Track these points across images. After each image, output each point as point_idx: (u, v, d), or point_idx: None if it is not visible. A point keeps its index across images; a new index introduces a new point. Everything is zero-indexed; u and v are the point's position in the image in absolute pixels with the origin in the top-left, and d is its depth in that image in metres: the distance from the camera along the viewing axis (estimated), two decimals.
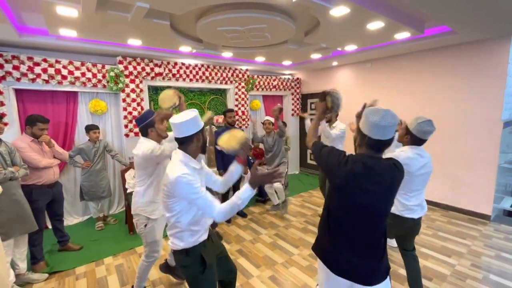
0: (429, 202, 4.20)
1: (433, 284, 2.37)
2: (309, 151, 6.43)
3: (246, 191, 1.38)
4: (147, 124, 2.01)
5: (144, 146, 1.95)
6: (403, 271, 2.51)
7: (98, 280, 2.52)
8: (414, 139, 1.86)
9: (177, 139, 1.43)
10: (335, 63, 5.18)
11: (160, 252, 2.17)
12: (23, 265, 2.43)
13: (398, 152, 1.91)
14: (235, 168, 1.68)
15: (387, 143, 1.24)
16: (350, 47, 3.87)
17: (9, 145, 2.35)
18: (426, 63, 4.10)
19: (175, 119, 1.38)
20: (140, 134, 2.09)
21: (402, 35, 3.21)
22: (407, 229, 1.98)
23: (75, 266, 2.74)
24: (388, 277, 1.34)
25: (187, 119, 1.36)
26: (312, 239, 3.23)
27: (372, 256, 1.30)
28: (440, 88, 3.99)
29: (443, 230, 3.38)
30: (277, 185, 3.80)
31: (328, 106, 1.77)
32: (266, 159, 4.04)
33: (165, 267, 2.43)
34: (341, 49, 4.04)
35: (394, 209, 1.86)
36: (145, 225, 2.02)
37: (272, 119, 3.90)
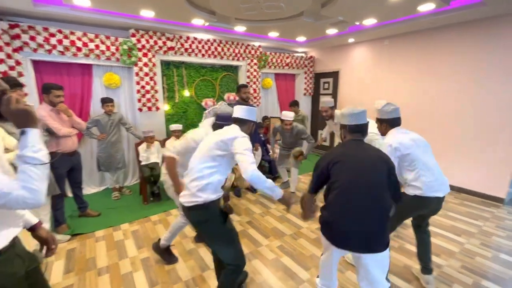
0: None
1: (441, 259, 2.39)
2: (319, 132, 6.38)
3: (276, 190, 1.55)
4: (226, 125, 2.13)
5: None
6: (410, 246, 2.55)
7: (116, 243, 2.68)
8: (390, 122, 1.93)
9: (235, 119, 1.75)
10: (351, 40, 4.98)
11: None
12: (47, 226, 2.60)
13: (386, 139, 1.95)
14: None
15: (364, 127, 1.59)
16: (369, 21, 3.70)
17: None
18: (448, 40, 3.88)
19: (244, 106, 1.78)
20: (213, 126, 2.24)
21: (426, 6, 3.03)
22: (431, 210, 1.94)
23: (95, 230, 2.91)
24: (387, 249, 1.40)
25: (251, 108, 1.77)
26: None
27: (368, 223, 1.37)
28: (461, 66, 3.79)
29: (454, 211, 3.36)
30: (294, 170, 3.74)
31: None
32: (282, 141, 3.90)
33: (199, 237, 2.70)
34: (359, 24, 3.87)
35: (416, 191, 1.84)
36: None
37: (291, 118, 3.55)
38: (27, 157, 0.90)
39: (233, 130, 1.67)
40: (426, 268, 2.06)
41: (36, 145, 0.92)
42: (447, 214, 3.26)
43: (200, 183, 1.57)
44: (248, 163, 1.50)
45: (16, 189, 0.85)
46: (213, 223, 1.61)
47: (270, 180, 1.55)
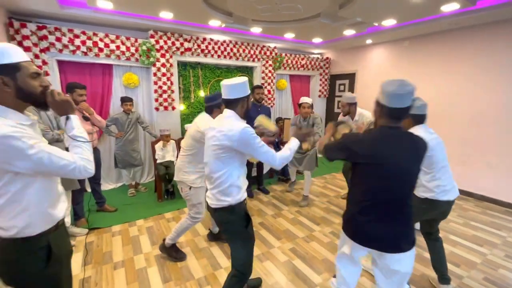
0: (462, 192, 3.96)
1: (461, 270, 2.29)
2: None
3: (294, 144, 1.62)
4: (215, 105, 2.14)
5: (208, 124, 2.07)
6: (428, 255, 2.45)
7: (132, 238, 2.75)
8: (415, 118, 1.80)
9: (225, 101, 1.52)
10: (369, 41, 4.88)
11: (204, 215, 2.32)
12: (67, 219, 2.71)
13: None
14: None
15: (405, 111, 1.28)
16: (388, 22, 3.60)
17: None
18: (473, 42, 3.72)
19: (227, 81, 1.49)
20: (205, 110, 2.24)
21: (450, 6, 2.91)
22: (440, 213, 1.90)
23: (111, 225, 3.00)
24: (413, 248, 1.31)
25: (238, 82, 1.47)
26: (334, 219, 3.23)
27: (395, 223, 1.29)
28: (485, 68, 3.62)
29: (475, 220, 3.20)
30: (307, 173, 3.64)
31: (336, 137, 1.82)
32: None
33: (212, 236, 2.70)
34: (377, 25, 3.78)
35: (426, 194, 1.80)
36: (190, 188, 2.20)
37: (310, 101, 3.53)
38: (77, 136, 1.11)
39: (229, 121, 1.47)
40: (444, 277, 1.99)
41: (80, 127, 1.14)
42: (469, 223, 3.12)
43: (221, 189, 1.52)
44: (271, 155, 1.49)
45: (78, 160, 1.05)
46: (236, 225, 1.59)
47: (286, 151, 1.57)
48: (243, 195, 1.58)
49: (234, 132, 1.41)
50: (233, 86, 1.47)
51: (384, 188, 1.28)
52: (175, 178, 2.32)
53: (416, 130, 1.76)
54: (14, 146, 0.90)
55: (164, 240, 2.40)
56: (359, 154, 1.32)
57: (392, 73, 4.84)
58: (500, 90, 3.53)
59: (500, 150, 3.58)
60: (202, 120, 2.13)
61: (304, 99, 3.53)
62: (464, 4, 2.85)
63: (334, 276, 1.69)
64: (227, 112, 1.52)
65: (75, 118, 1.14)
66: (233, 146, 1.44)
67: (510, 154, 3.48)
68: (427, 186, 1.80)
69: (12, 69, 0.98)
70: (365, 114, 3.14)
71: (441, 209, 1.85)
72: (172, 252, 2.39)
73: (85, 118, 1.41)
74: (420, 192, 1.83)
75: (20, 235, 1.00)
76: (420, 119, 1.80)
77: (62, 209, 1.15)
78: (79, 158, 1.05)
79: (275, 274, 2.24)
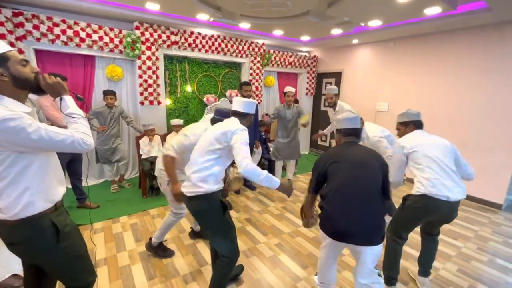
0: None
1: (437, 262, 2.41)
2: (320, 131, 6.36)
3: (273, 181, 1.63)
4: (220, 120, 2.01)
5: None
6: (406, 248, 2.57)
7: (115, 235, 2.68)
8: (416, 124, 2.05)
9: (235, 112, 1.77)
10: (355, 41, 4.97)
11: (186, 210, 2.27)
12: None
13: (401, 138, 2.06)
14: None
15: (356, 131, 1.73)
16: (374, 23, 3.69)
17: (33, 101, 2.43)
18: (454, 45, 3.88)
19: (241, 98, 1.79)
20: (212, 120, 2.10)
21: (433, 10, 3.02)
22: (442, 216, 1.82)
23: (93, 222, 2.91)
24: (381, 243, 1.48)
25: (251, 102, 1.78)
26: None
27: (363, 216, 1.45)
28: (465, 71, 3.80)
29: None
30: (291, 161, 3.91)
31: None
32: (280, 129, 3.92)
33: (193, 234, 2.69)
34: (364, 25, 3.86)
35: (421, 189, 1.77)
36: (168, 183, 2.13)
37: (293, 90, 3.78)
38: (72, 113, 1.19)
39: (233, 123, 1.70)
40: (425, 271, 2.06)
41: (74, 105, 1.22)
42: None
43: (201, 175, 1.61)
44: (243, 157, 1.53)
45: (75, 134, 1.12)
46: (212, 213, 1.65)
47: (265, 172, 1.58)
48: (218, 186, 1.67)
49: (236, 128, 1.62)
50: (247, 103, 1.76)
51: (349, 183, 1.50)
52: (155, 173, 2.30)
53: (410, 135, 2.01)
54: (14, 127, 0.97)
55: (150, 238, 2.37)
56: (325, 161, 1.63)
57: (377, 73, 4.97)
58: (475, 91, 3.70)
59: (472, 149, 3.77)
60: (202, 127, 2.09)
61: (288, 88, 3.81)
62: (446, 8, 2.96)
63: (316, 274, 1.78)
64: (235, 119, 1.75)
65: (68, 98, 1.22)
66: (228, 139, 1.60)
67: (484, 153, 3.68)
68: (419, 180, 1.79)
69: (1, 60, 1.04)
70: (344, 106, 3.36)
71: (440, 211, 1.75)
72: (159, 251, 2.36)
73: (79, 99, 1.41)
74: (415, 188, 1.82)
75: (21, 215, 1.08)
76: (419, 124, 2.05)
77: (61, 191, 1.24)
78: (77, 132, 1.13)
79: (261, 269, 2.26)
